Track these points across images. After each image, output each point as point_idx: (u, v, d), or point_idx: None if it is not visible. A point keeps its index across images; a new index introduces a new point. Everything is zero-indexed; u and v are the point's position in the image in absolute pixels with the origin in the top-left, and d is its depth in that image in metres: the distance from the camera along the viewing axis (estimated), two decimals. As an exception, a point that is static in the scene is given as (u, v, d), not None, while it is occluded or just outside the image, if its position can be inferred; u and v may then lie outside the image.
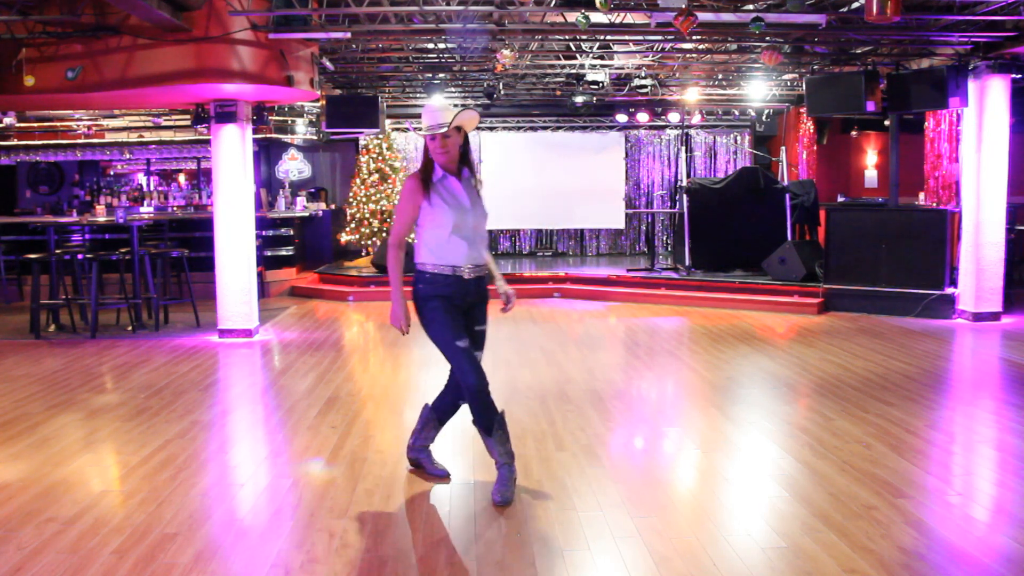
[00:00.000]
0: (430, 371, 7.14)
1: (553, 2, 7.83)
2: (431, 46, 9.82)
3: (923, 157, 12.78)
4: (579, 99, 12.66)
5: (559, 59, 10.91)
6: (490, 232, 15.46)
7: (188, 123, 12.16)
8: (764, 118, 14.74)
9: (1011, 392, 6.33)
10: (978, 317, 9.17)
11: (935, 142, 12.45)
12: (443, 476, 4.45)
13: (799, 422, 5.46)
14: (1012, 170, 9.34)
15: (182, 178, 15.85)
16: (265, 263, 12.13)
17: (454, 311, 4.08)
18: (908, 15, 7.81)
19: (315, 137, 14.72)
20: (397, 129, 15.14)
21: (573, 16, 7.82)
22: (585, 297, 11.66)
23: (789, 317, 9.76)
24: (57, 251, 9.27)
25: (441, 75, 11.59)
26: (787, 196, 11.44)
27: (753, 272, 11.24)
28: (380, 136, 13.69)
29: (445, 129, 4.00)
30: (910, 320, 9.37)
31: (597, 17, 8.08)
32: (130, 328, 9.18)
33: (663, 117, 13.64)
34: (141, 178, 15.73)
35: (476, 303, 4.19)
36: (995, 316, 9.20)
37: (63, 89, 8.01)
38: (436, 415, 4.48)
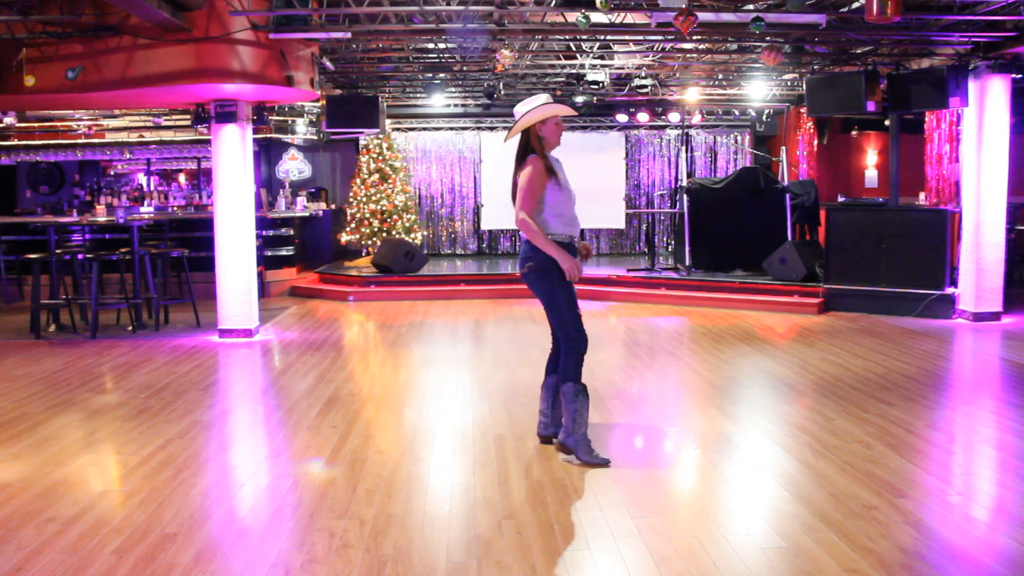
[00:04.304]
0: (431, 371, 7.15)
1: (553, 2, 7.84)
2: (431, 46, 9.82)
3: (923, 157, 12.79)
4: (579, 99, 12.66)
5: (559, 59, 10.91)
6: (490, 232, 15.62)
7: (188, 123, 12.16)
8: (764, 118, 14.75)
9: (1011, 392, 6.33)
10: (978, 317, 9.17)
11: (935, 142, 12.46)
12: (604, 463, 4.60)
13: (799, 422, 5.46)
14: (1012, 170, 9.33)
15: (182, 178, 15.85)
16: (265, 263, 12.14)
17: (570, 281, 4.66)
18: (908, 15, 7.81)
19: (315, 137, 14.72)
20: (397, 129, 15.15)
21: (573, 16, 7.82)
22: (585, 297, 11.60)
23: (789, 317, 9.76)
24: (57, 251, 9.27)
25: (441, 75, 11.60)
26: (787, 196, 11.44)
27: (753, 272, 11.23)
28: (380, 136, 13.70)
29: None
30: (910, 320, 9.36)
31: (597, 17, 8.08)
32: (130, 328, 9.19)
33: (663, 117, 13.65)
34: (141, 178, 15.73)
35: None
36: (995, 316, 9.20)
37: (63, 89, 8.00)
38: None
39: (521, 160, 4.73)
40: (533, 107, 4.68)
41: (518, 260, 4.81)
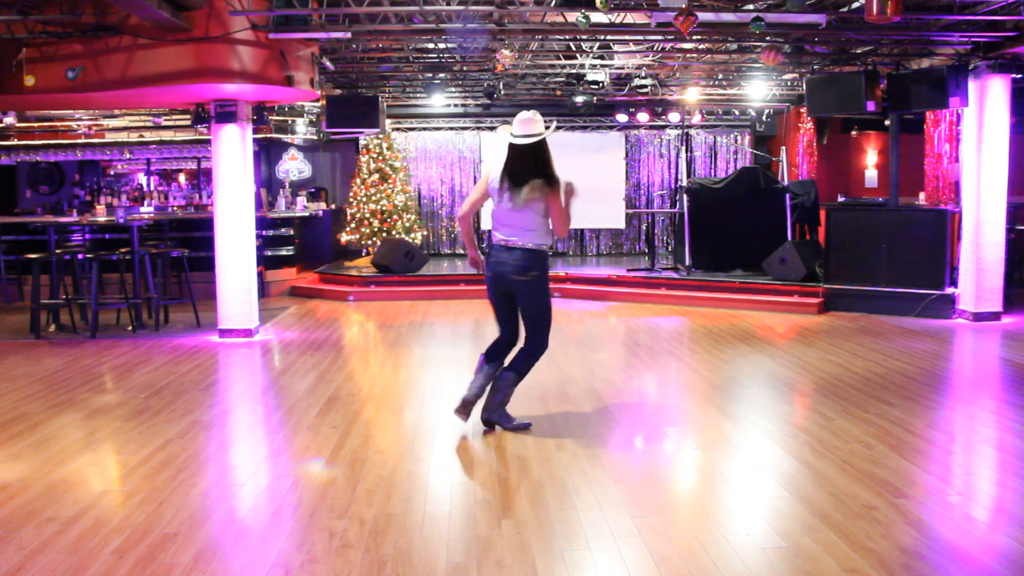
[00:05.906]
0: (431, 371, 7.15)
1: (553, 2, 7.83)
2: (431, 46, 9.82)
3: (923, 157, 12.79)
4: (579, 99, 12.66)
5: (559, 59, 10.91)
6: (490, 232, 15.58)
7: (188, 123, 12.15)
8: (764, 118, 14.74)
9: (1011, 392, 6.34)
10: (978, 317, 9.16)
11: (935, 142, 12.46)
12: (526, 427, 5.21)
13: (799, 422, 5.46)
14: (1012, 170, 9.32)
15: (182, 178, 15.85)
16: (265, 263, 12.13)
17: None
18: (908, 15, 7.81)
19: (315, 137, 14.72)
20: (397, 129, 15.15)
21: (573, 16, 7.82)
22: (585, 297, 11.66)
23: (789, 317, 9.76)
24: (57, 251, 9.27)
25: (441, 75, 11.60)
26: (787, 196, 11.44)
27: (753, 272, 11.23)
28: (380, 136, 13.70)
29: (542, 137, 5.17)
30: (910, 320, 9.36)
31: (597, 17, 8.08)
32: (130, 328, 9.18)
33: (663, 117, 13.64)
34: (141, 178, 15.73)
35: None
36: (995, 316, 9.19)
37: (63, 89, 8.00)
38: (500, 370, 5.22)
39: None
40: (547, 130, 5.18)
41: (514, 265, 5.01)
